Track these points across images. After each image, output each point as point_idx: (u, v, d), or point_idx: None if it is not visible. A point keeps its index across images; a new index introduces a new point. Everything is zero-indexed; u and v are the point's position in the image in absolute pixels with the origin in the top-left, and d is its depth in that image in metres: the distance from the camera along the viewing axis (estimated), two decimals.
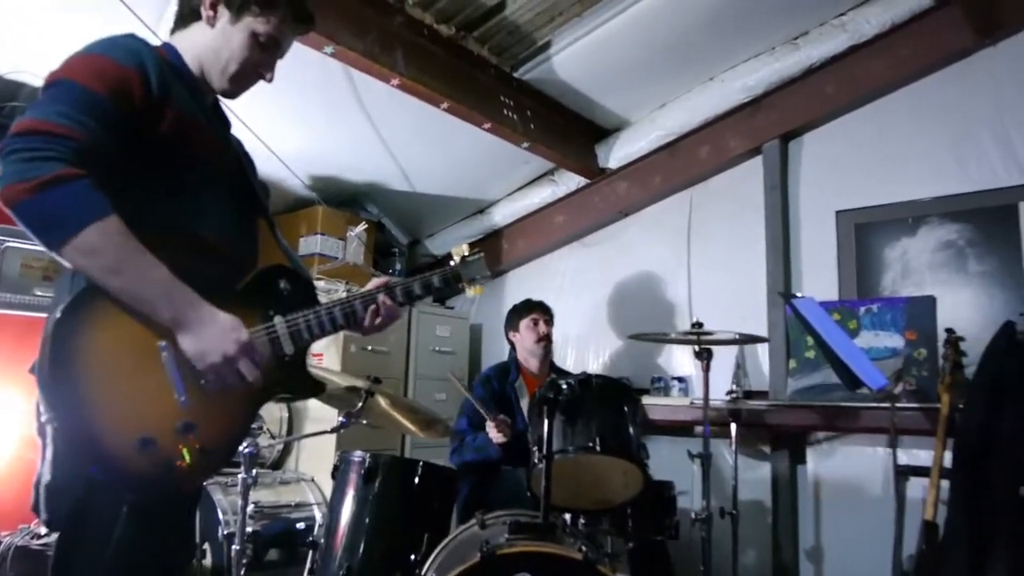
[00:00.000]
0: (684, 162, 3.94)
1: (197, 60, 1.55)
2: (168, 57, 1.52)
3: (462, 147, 3.80)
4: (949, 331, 2.89)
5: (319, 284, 3.83)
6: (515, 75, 3.56)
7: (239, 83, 1.59)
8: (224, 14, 1.54)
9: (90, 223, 1.23)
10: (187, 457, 1.31)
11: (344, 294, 3.77)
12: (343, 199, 4.22)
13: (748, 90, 3.64)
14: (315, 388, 1.65)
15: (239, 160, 1.68)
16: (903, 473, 2.91)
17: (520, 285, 4.65)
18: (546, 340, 3.39)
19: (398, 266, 4.50)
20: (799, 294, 3.28)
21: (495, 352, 4.47)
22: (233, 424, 1.47)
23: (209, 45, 1.55)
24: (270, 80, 1.62)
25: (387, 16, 2.98)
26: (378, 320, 1.70)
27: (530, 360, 3.41)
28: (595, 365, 4.25)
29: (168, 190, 1.44)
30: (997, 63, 3.13)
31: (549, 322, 3.45)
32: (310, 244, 3.96)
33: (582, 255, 4.43)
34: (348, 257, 4.02)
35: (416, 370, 4.16)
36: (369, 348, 3.86)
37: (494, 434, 2.97)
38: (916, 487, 2.84)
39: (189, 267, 1.36)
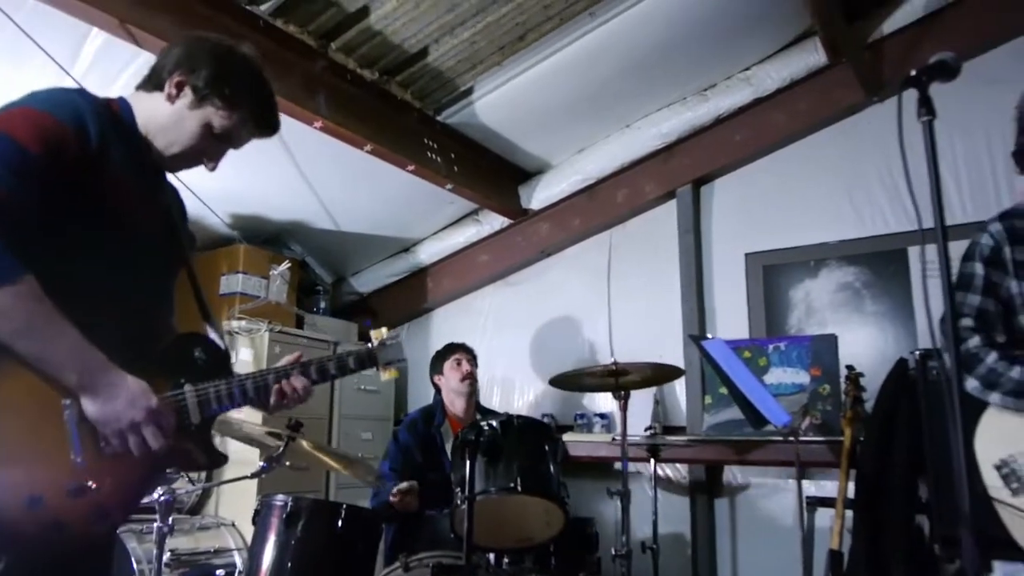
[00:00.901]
0: (602, 205, 4.09)
1: (145, 127, 1.55)
2: (119, 111, 1.53)
3: (387, 187, 3.84)
4: (849, 367, 3.06)
5: (240, 324, 3.78)
6: (438, 119, 3.64)
7: (178, 163, 1.60)
8: (187, 96, 1.54)
9: (1, 287, 1.22)
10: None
11: (266, 334, 3.76)
12: (266, 237, 4.19)
13: (662, 137, 3.82)
14: (217, 460, 1.61)
15: (168, 215, 1.66)
16: (811, 504, 3.06)
17: (445, 323, 4.69)
18: (471, 379, 3.41)
19: (322, 304, 4.47)
20: (709, 335, 3.43)
21: (421, 391, 4.47)
22: (129, 489, 1.43)
23: (162, 121, 1.55)
24: (211, 169, 1.62)
25: (310, 60, 3.02)
26: (285, 400, 1.65)
27: (456, 402, 3.43)
28: (520, 403, 4.30)
29: (90, 251, 1.42)
30: (884, 118, 3.40)
31: (472, 361, 3.49)
32: (231, 283, 3.90)
33: (506, 294, 4.50)
34: (271, 296, 3.97)
35: (341, 410, 4.13)
36: None
37: (395, 500, 2.94)
38: (824, 517, 2.97)
39: (103, 330, 1.35)
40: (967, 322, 1.91)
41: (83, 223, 1.41)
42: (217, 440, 3.41)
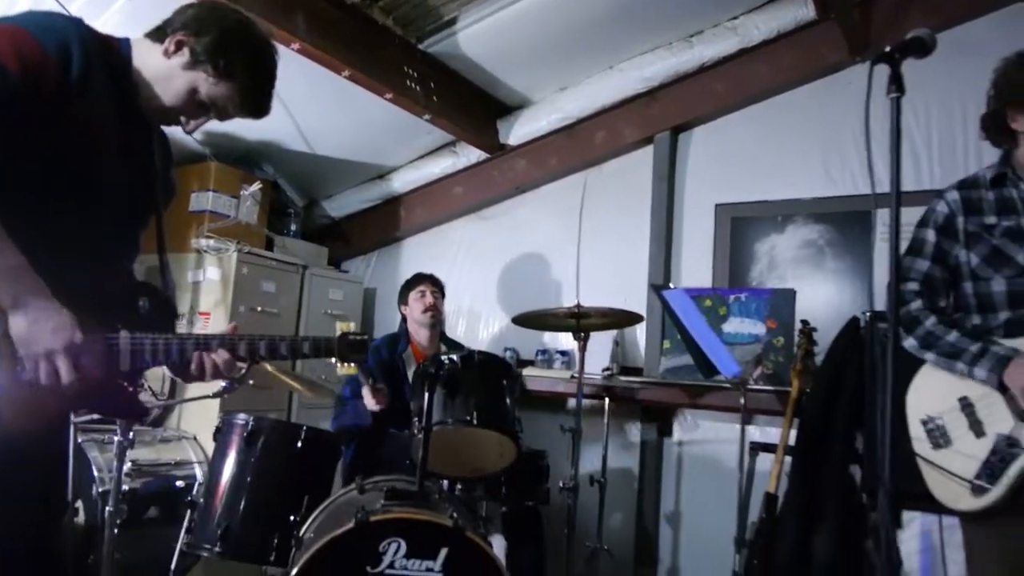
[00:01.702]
0: (580, 145, 4.08)
1: (138, 73, 1.55)
2: (117, 49, 1.53)
3: (364, 113, 3.79)
4: (804, 322, 3.17)
5: (209, 243, 3.77)
6: (420, 47, 3.58)
7: (156, 116, 1.60)
8: (183, 55, 1.54)
9: None
10: None
11: (234, 254, 3.75)
12: (238, 156, 4.13)
13: (645, 81, 3.79)
14: (140, 412, 1.63)
15: (148, 161, 1.65)
16: (754, 449, 3.21)
17: (416, 253, 4.71)
18: (433, 311, 3.44)
19: (293, 226, 4.45)
20: (672, 285, 3.50)
21: (388, 317, 4.53)
22: (38, 421, 1.43)
23: (153, 72, 1.55)
24: (188, 132, 1.61)
25: None
26: (205, 375, 1.59)
27: (419, 332, 3.48)
28: (485, 335, 4.38)
29: (54, 184, 1.42)
30: (865, 80, 3.39)
31: (437, 294, 3.51)
32: (201, 200, 3.86)
33: (478, 227, 4.52)
34: (241, 216, 3.95)
35: (308, 332, 4.17)
36: (259, 309, 3.84)
37: (369, 401, 3.01)
38: (766, 462, 3.13)
39: (53, 263, 1.36)
40: (913, 286, 1.98)
41: (53, 154, 1.41)
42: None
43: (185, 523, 2.74)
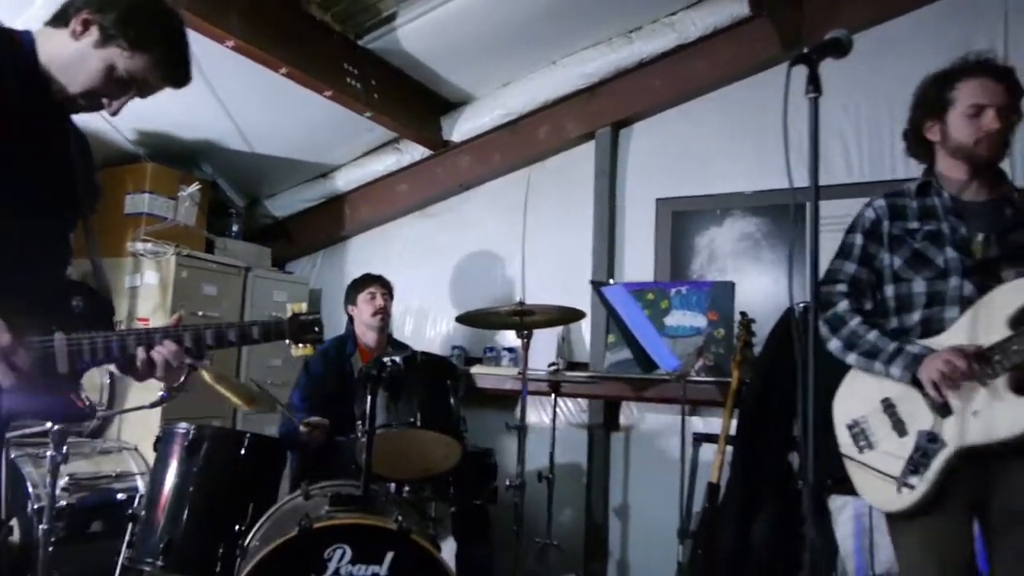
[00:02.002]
0: (524, 141, 4.09)
1: (47, 64, 1.49)
2: (20, 43, 1.47)
3: (304, 111, 3.73)
4: (743, 314, 3.25)
5: (146, 246, 3.67)
6: (359, 44, 3.54)
7: (75, 104, 1.54)
8: (92, 34, 1.48)
9: None
10: None
11: (172, 257, 3.67)
12: (174, 156, 4.03)
13: (586, 77, 3.82)
14: (79, 416, 1.58)
15: (66, 161, 1.59)
16: (697, 440, 3.28)
17: (361, 251, 4.67)
18: (383, 313, 3.41)
19: (235, 227, 4.37)
20: (612, 280, 3.54)
21: (334, 318, 4.45)
22: None
23: (64, 58, 1.49)
24: (112, 114, 1.56)
25: None
26: (155, 371, 1.53)
27: (367, 334, 3.45)
28: (433, 334, 4.37)
29: None
30: (799, 75, 3.47)
31: (386, 295, 3.48)
32: (137, 203, 3.76)
33: (424, 225, 4.50)
34: (179, 218, 3.86)
35: None
36: (200, 314, 3.76)
37: (305, 432, 2.94)
38: (709, 452, 3.20)
39: None
40: (841, 287, 2.05)
41: None
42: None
43: (126, 537, 2.69)
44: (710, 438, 3.20)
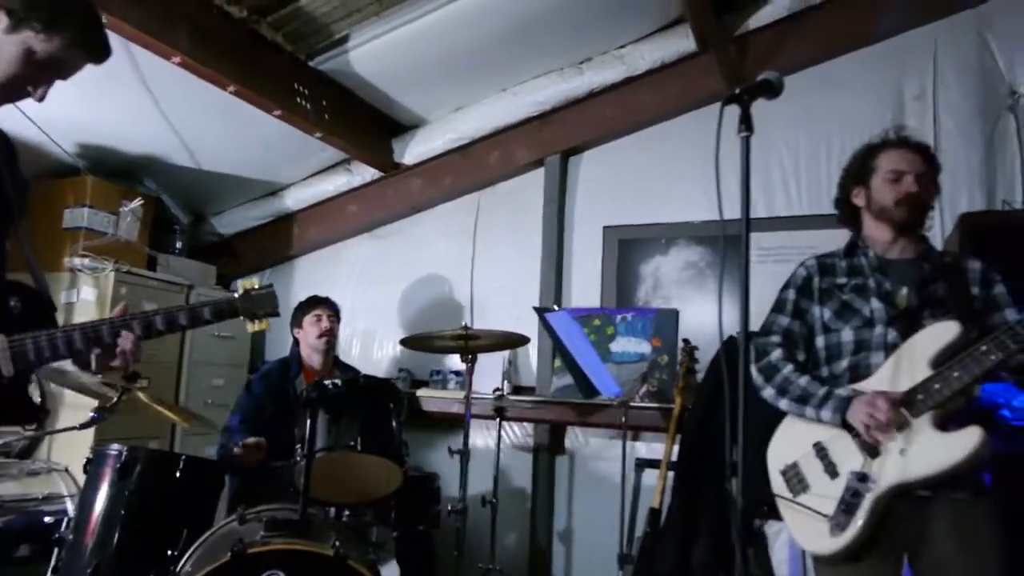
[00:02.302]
0: (475, 165, 4.12)
1: None
2: None
3: (253, 128, 3.69)
4: (686, 341, 3.31)
5: (84, 261, 3.58)
6: (310, 64, 3.53)
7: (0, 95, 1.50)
8: (2, 21, 1.44)
9: None
10: None
11: (111, 274, 3.58)
12: (116, 170, 3.94)
13: (537, 105, 3.88)
14: (32, 415, 1.56)
15: None
16: (640, 465, 3.31)
17: (310, 272, 4.62)
18: (329, 335, 3.38)
19: (178, 244, 4.28)
20: (555, 307, 3.58)
21: (279, 340, 4.41)
22: None
23: None
24: (39, 99, 1.51)
25: None
26: (115, 362, 1.54)
27: (313, 356, 3.40)
28: (379, 356, 4.34)
29: None
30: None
31: (333, 318, 3.45)
32: (76, 217, 3.66)
33: (373, 247, 4.48)
34: (121, 233, 3.77)
35: (191, 355, 4.01)
36: None
37: (247, 458, 2.91)
38: (652, 477, 3.23)
39: None
40: (775, 339, 2.14)
41: None
42: (49, 388, 3.28)
43: (52, 562, 2.58)
44: (652, 463, 3.23)
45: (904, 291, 2.00)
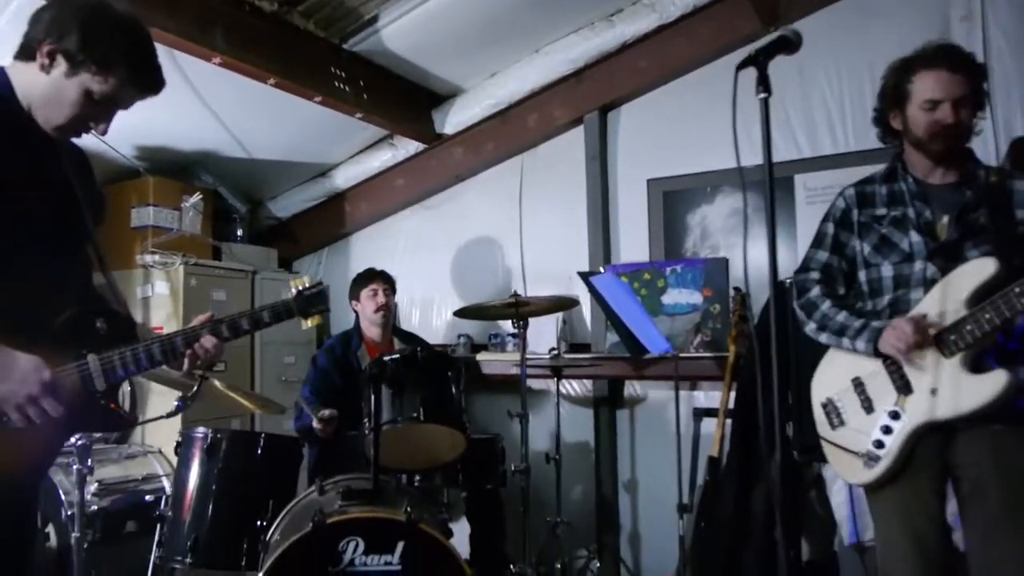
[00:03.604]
0: (514, 129, 4.15)
1: (27, 99, 1.55)
2: None
3: (297, 115, 3.79)
4: (737, 289, 3.32)
5: (154, 258, 3.79)
6: (345, 47, 3.60)
7: (64, 133, 1.60)
8: (60, 65, 1.52)
9: None
10: None
11: (181, 267, 3.79)
12: (174, 168, 4.13)
13: (571, 63, 3.86)
14: (123, 423, 1.72)
15: (66, 184, 1.66)
16: (698, 414, 3.37)
17: (364, 247, 4.77)
18: (384, 310, 3.49)
19: (239, 232, 4.48)
20: (601, 269, 3.61)
21: (342, 314, 4.54)
22: (41, 451, 1.56)
23: (41, 92, 1.54)
24: (103, 133, 1.61)
25: None
26: (198, 361, 1.70)
27: (371, 329, 3.54)
28: (438, 322, 4.47)
29: None
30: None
31: (388, 291, 3.56)
32: (142, 216, 3.87)
33: (423, 217, 4.59)
34: (184, 228, 3.97)
35: (263, 336, 4.22)
36: None
37: (321, 431, 3.05)
38: (711, 425, 3.29)
39: (6, 308, 1.42)
40: (814, 275, 2.15)
41: None
42: (138, 380, 3.51)
43: (156, 537, 2.84)
44: (711, 412, 3.29)
45: (944, 220, 1.95)
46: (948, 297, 1.86)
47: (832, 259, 2.13)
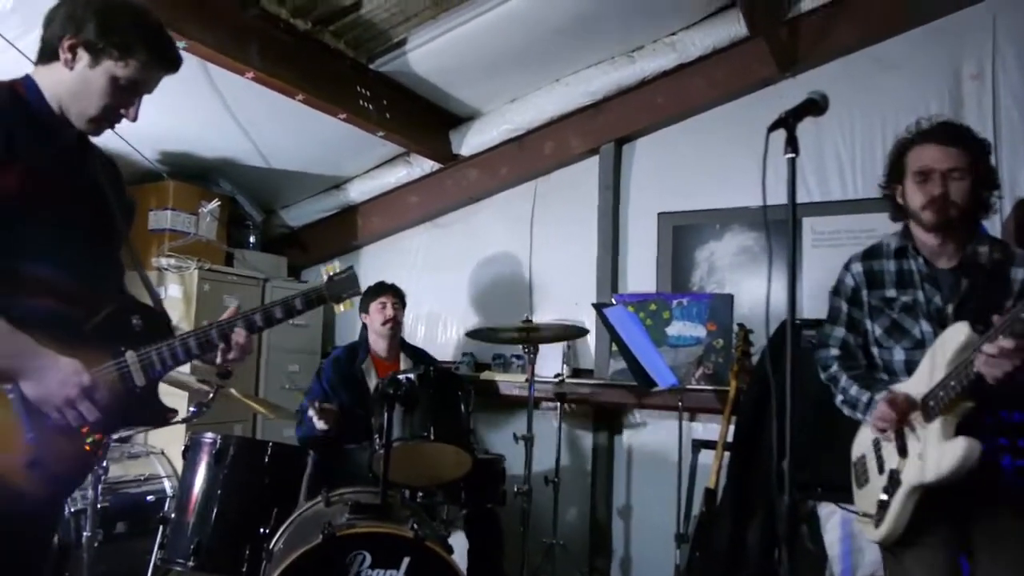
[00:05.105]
0: (530, 155, 4.23)
1: (57, 99, 1.58)
2: (25, 93, 1.57)
3: (320, 130, 3.86)
4: (740, 325, 3.40)
5: (170, 261, 3.85)
6: (371, 67, 3.68)
7: (99, 124, 1.63)
8: (83, 58, 1.56)
9: None
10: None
11: (195, 272, 3.84)
12: (195, 174, 4.20)
13: (590, 95, 3.95)
14: (165, 417, 1.74)
15: (97, 187, 1.70)
16: (697, 445, 3.43)
17: (374, 260, 4.83)
18: (392, 323, 3.52)
19: (252, 239, 4.54)
20: (613, 300, 3.69)
21: (349, 325, 4.64)
22: (81, 453, 1.58)
23: (68, 88, 1.57)
24: (133, 119, 1.65)
25: (241, 9, 3.02)
26: (231, 355, 1.75)
27: (378, 342, 3.57)
28: (443, 339, 4.53)
29: (11, 238, 1.49)
30: (795, 94, 3.60)
31: (398, 305, 3.59)
32: (160, 219, 3.94)
33: (435, 235, 4.66)
34: (201, 232, 4.04)
35: (270, 343, 4.28)
36: None
37: (318, 422, 3.10)
38: (709, 457, 3.35)
39: (33, 311, 1.46)
40: (833, 352, 2.20)
41: (13, 220, 1.48)
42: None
43: (158, 538, 2.87)
44: (709, 444, 3.35)
45: (950, 309, 1.97)
46: (936, 364, 1.89)
47: (848, 336, 2.18)
